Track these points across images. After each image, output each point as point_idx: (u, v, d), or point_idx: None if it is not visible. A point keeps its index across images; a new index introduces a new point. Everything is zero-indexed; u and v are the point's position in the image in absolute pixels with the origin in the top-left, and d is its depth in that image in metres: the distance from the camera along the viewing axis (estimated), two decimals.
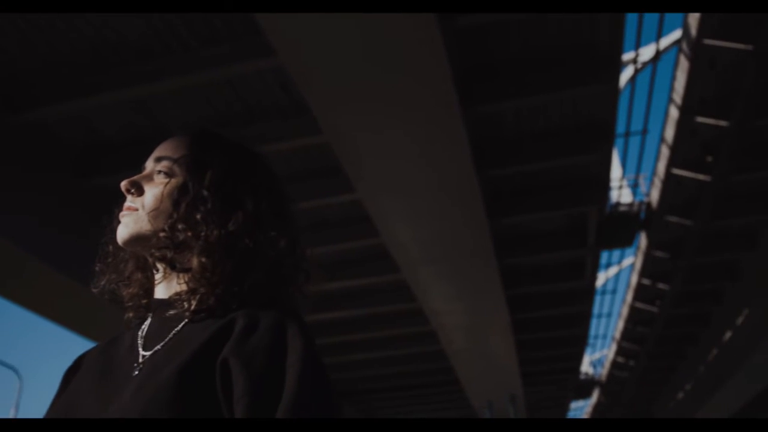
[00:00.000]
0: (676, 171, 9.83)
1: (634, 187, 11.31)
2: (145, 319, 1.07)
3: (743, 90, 7.75)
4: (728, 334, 14.89)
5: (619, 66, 7.68)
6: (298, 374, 0.84)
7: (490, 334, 12.98)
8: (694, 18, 7.28)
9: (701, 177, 9.66)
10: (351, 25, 5.21)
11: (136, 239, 1.03)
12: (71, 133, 7.93)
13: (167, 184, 1.04)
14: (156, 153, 1.09)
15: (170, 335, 0.97)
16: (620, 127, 9.13)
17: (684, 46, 7.77)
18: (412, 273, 9.82)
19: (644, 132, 9.69)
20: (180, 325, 0.98)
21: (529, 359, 16.84)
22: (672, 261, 12.40)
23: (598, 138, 8.79)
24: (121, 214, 1.05)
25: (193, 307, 0.98)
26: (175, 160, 1.07)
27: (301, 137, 7.39)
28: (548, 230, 11.29)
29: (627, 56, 8.17)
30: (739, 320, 14.01)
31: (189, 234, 0.99)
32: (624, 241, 11.62)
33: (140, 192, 1.06)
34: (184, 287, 1.00)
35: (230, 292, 0.97)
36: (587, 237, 11.08)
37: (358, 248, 10.23)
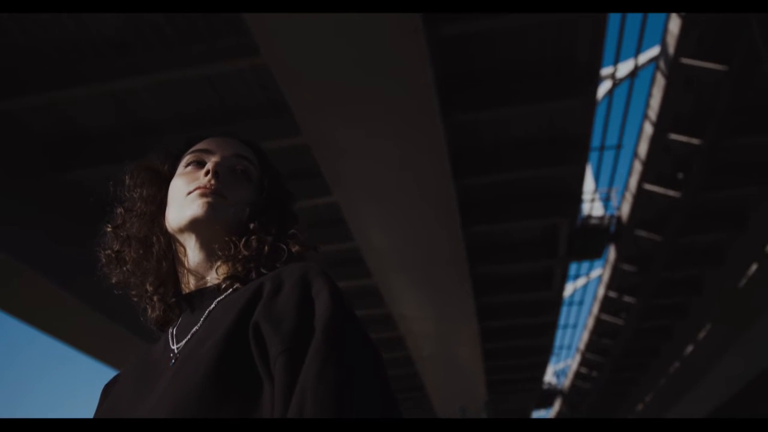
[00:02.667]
0: (648, 186, 9.98)
1: (606, 200, 11.48)
2: (176, 320, 1.05)
3: (717, 110, 7.90)
4: (690, 348, 15.15)
5: (597, 81, 7.77)
6: (325, 324, 0.81)
7: (459, 342, 13.01)
8: (672, 36, 7.40)
9: (672, 193, 9.82)
10: (336, 28, 5.17)
11: (215, 224, 1.02)
12: (45, 125, 7.76)
13: (249, 183, 1.10)
14: (231, 146, 1.13)
15: (202, 319, 0.97)
16: (595, 141, 9.25)
17: (661, 63, 7.89)
18: (384, 279, 9.80)
19: (619, 147, 9.83)
20: (211, 306, 0.97)
21: (495, 368, 16.94)
22: (639, 275, 12.58)
23: (574, 151, 8.88)
24: (203, 191, 1.04)
25: (223, 285, 0.98)
26: (255, 166, 1.12)
27: (280, 138, 7.33)
28: (520, 240, 11.37)
29: (605, 71, 8.26)
30: (701, 335, 14.27)
31: (283, 230, 1.05)
32: (593, 253, 11.77)
33: (225, 181, 1.06)
34: (214, 273, 1.01)
35: (257, 262, 0.99)
36: (558, 248, 11.18)
37: (331, 252, 10.18)
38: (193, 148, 1.13)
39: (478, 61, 7.41)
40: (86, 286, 8.79)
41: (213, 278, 1.01)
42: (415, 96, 6.37)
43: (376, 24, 5.22)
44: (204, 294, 1.01)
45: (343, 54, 5.44)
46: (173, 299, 1.07)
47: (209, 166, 1.06)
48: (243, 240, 1.01)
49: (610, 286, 13.83)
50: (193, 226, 1.02)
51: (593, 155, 9.89)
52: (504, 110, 7.99)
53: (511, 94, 7.70)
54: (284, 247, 1.02)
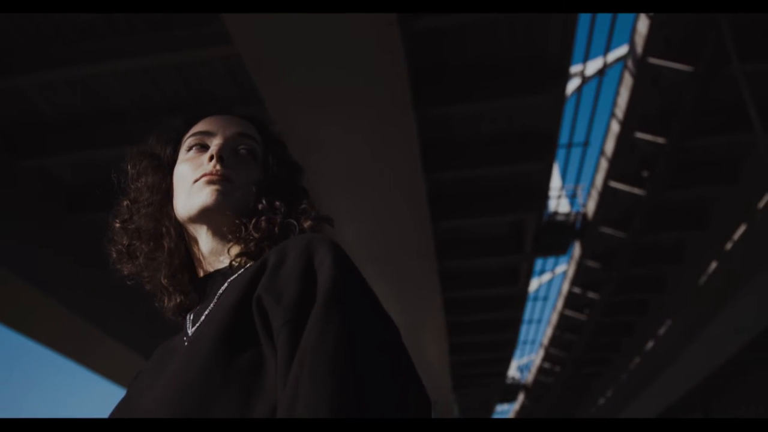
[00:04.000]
0: (614, 184, 10.13)
1: (572, 197, 11.62)
2: (195, 305, 1.04)
3: (682, 110, 8.04)
4: (650, 344, 15.45)
5: (567, 78, 7.86)
6: (326, 292, 0.78)
7: (425, 336, 13.07)
8: (640, 36, 7.51)
9: (636, 191, 9.98)
10: (310, 19, 5.13)
11: (225, 209, 1.00)
12: (5, 110, 7.56)
13: (255, 162, 1.08)
14: (233, 126, 1.09)
15: (214, 300, 0.94)
16: (563, 138, 9.35)
17: (629, 62, 8.01)
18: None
19: (586, 144, 9.96)
20: (223, 287, 0.96)
21: (460, 362, 17.06)
22: (603, 271, 12.78)
23: (542, 147, 8.96)
24: (210, 179, 1.02)
25: (235, 265, 0.97)
26: (259, 144, 1.10)
27: None
28: (487, 235, 11.46)
29: (575, 69, 8.35)
30: (662, 331, 14.56)
31: (293, 207, 1.03)
32: (559, 249, 11.92)
33: (230, 164, 1.04)
34: (227, 255, 1.00)
35: (269, 241, 0.98)
36: (524, 244, 11.29)
37: None
38: (193, 131, 1.10)
39: (449, 55, 7.43)
40: (52, 278, 8.63)
41: (226, 260, 1.00)
42: (389, 89, 6.37)
43: (350, 16, 5.19)
44: (217, 276, 1.00)
45: (317, 46, 5.40)
46: (190, 286, 1.05)
47: (213, 150, 1.04)
48: (253, 221, 1.00)
49: (574, 282, 14.02)
50: (204, 214, 1.01)
51: (561, 152, 10.00)
52: (474, 105, 8.04)
53: (481, 89, 7.74)
54: (295, 223, 1.01)
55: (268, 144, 1.12)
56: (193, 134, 1.09)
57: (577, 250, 12.80)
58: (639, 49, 7.58)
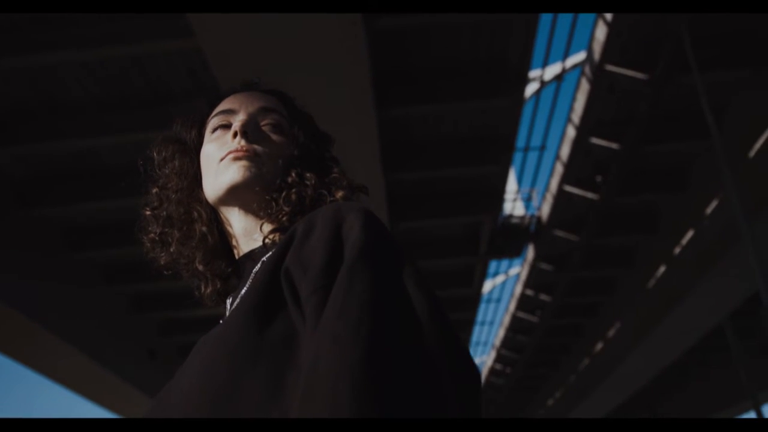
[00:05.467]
0: (568, 188, 10.30)
1: (528, 200, 11.78)
2: (229, 290, 1.03)
3: (636, 116, 8.23)
4: (599, 346, 15.77)
5: (526, 83, 7.97)
6: (354, 257, 0.74)
7: None
8: (598, 43, 7.66)
9: (590, 195, 10.18)
10: (274, 18, 5.08)
11: (255, 184, 0.98)
12: None
13: (281, 135, 1.05)
14: (255, 102, 1.07)
15: (249, 280, 0.91)
16: (520, 142, 9.48)
17: (587, 69, 8.16)
18: None
19: (542, 148, 10.11)
20: (257, 267, 0.92)
21: None
22: (555, 274, 12.99)
23: (499, 150, 9.08)
24: (236, 154, 0.99)
25: (269, 242, 0.95)
26: (285, 117, 1.07)
27: None
28: (443, 237, 11.53)
29: (534, 73, 8.48)
30: (610, 333, 14.87)
31: (325, 178, 1.01)
32: (513, 251, 12.07)
33: (255, 139, 1.02)
34: (261, 233, 0.97)
35: (301, 214, 0.95)
36: (479, 246, 11.41)
37: None
38: (216, 110, 1.08)
39: (412, 56, 7.46)
40: None
41: (260, 238, 0.97)
42: (351, 89, 6.35)
43: (314, 16, 5.15)
44: (253, 256, 0.97)
45: (280, 43, 5.35)
46: (229, 269, 1.04)
47: (236, 127, 1.01)
48: (282, 195, 0.97)
49: (527, 285, 14.21)
50: (233, 192, 0.99)
51: (518, 155, 10.14)
52: (434, 107, 8.09)
53: (442, 91, 7.80)
54: (326, 193, 0.99)
55: (293, 116, 1.10)
56: (216, 114, 1.07)
57: (530, 252, 12.98)
58: (596, 56, 7.73)
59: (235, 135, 1.01)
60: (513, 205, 11.82)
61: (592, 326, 15.76)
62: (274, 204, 0.98)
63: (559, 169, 10.29)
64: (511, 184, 11.21)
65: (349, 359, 0.63)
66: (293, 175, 1.00)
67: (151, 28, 6.21)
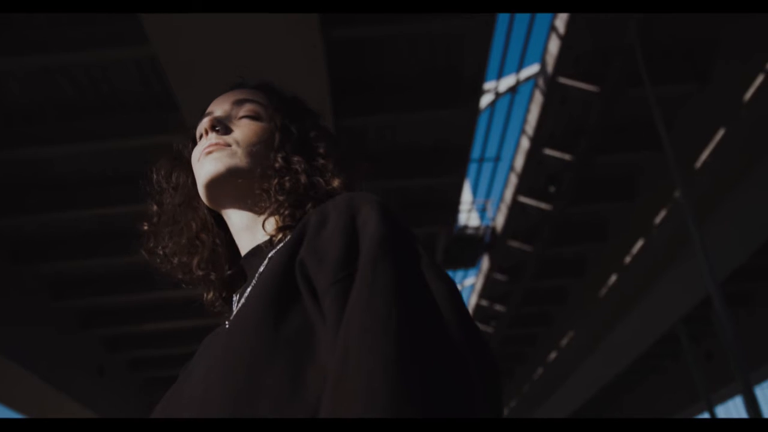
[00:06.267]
0: (522, 199, 10.44)
1: (483, 211, 11.89)
2: (235, 289, 1.01)
3: (587, 128, 8.40)
4: (553, 355, 15.97)
5: (480, 94, 8.06)
6: (373, 250, 0.73)
7: None
8: (551, 56, 7.80)
9: (543, 206, 10.32)
10: (233, 24, 5.02)
11: (232, 175, 0.97)
12: None
13: (263, 124, 1.02)
14: (228, 98, 1.06)
15: (255, 278, 0.89)
16: (475, 153, 9.57)
17: (540, 81, 8.29)
18: None
19: (497, 159, 10.22)
20: (264, 263, 0.90)
21: None
22: (510, 284, 13.11)
23: (454, 161, 9.14)
24: (207, 149, 0.98)
25: (276, 239, 0.93)
26: (262, 104, 1.05)
27: (164, 134, 7.02)
28: None
29: (488, 85, 8.58)
30: (563, 342, 15.08)
31: (315, 163, 0.99)
32: (468, 262, 12.15)
33: (227, 131, 1.00)
34: (262, 229, 0.95)
35: (301, 205, 0.95)
36: (434, 256, 11.44)
37: None
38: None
39: (367, 67, 7.47)
40: None
41: (263, 235, 0.95)
42: (309, 97, 6.25)
43: (274, 24, 5.12)
44: (257, 253, 0.95)
45: (239, 50, 5.29)
46: (229, 271, 1.03)
47: (204, 123, 1.01)
48: (274, 184, 0.95)
49: (482, 295, 14.31)
50: (211, 187, 0.98)
51: (472, 166, 10.23)
52: (390, 117, 8.11)
53: (398, 101, 7.83)
54: (320, 180, 0.96)
55: (276, 103, 1.07)
56: (200, 121, 1.08)
57: (485, 263, 13.09)
58: (549, 68, 7.87)
59: (206, 133, 1.01)
60: (468, 216, 11.92)
61: (546, 335, 15.96)
62: (266, 195, 0.96)
63: (513, 179, 10.41)
64: (466, 194, 11.30)
65: (382, 356, 0.62)
66: (279, 160, 0.97)
67: (104, 34, 6.07)
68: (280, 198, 0.94)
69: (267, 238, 0.95)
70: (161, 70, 5.81)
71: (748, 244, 9.26)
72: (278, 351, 0.73)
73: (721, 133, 7.99)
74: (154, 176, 1.11)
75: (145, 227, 1.09)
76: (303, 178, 0.96)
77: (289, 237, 0.89)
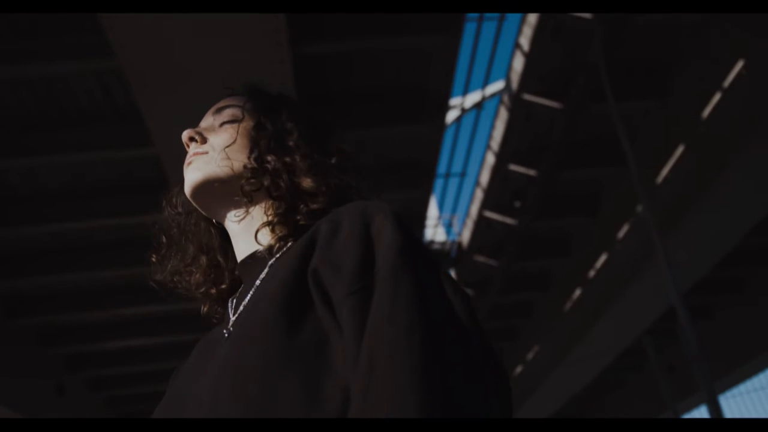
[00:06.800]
0: (488, 214, 10.50)
1: (449, 226, 11.93)
2: (233, 294, 0.99)
3: (552, 144, 8.50)
4: (519, 369, 16.04)
5: (446, 109, 8.11)
6: (391, 261, 0.73)
7: None
8: (516, 73, 7.89)
9: (509, 221, 10.40)
10: (200, 38, 4.97)
11: (210, 182, 0.96)
12: None
13: (239, 125, 1.00)
14: (212, 109, 1.06)
15: (255, 285, 0.89)
16: (441, 168, 9.61)
17: (505, 97, 8.38)
18: None
19: (463, 175, 10.27)
20: (264, 271, 0.90)
21: None
22: (476, 299, 13.15)
23: (420, 176, 9.17)
24: (187, 161, 0.98)
25: (275, 247, 0.91)
26: (240, 107, 1.03)
27: (124, 147, 6.91)
28: None
29: (454, 101, 8.64)
30: (530, 356, 15.16)
31: (285, 160, 0.95)
32: None
33: (204, 140, 1.00)
34: (256, 236, 0.94)
35: (313, 206, 0.93)
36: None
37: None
38: None
39: (333, 82, 7.47)
40: None
41: (261, 240, 0.94)
42: None
43: (242, 38, 5.08)
44: (255, 258, 0.94)
45: (206, 64, 5.23)
46: (213, 289, 1.02)
47: (184, 138, 1.02)
48: (252, 184, 0.95)
49: None
50: (195, 196, 0.98)
51: (439, 182, 10.28)
52: (356, 132, 8.09)
53: (364, 117, 7.83)
54: (295, 180, 0.94)
55: (255, 102, 1.06)
56: None
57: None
58: (514, 85, 7.96)
59: (187, 147, 1.02)
60: (434, 231, 11.95)
61: (512, 350, 16.02)
62: (247, 198, 0.95)
63: (479, 195, 10.48)
64: (433, 210, 11.33)
65: (409, 368, 0.63)
66: (251, 161, 0.96)
67: (65, 46, 5.96)
68: (266, 203, 0.94)
69: (265, 245, 0.93)
70: (126, 83, 5.71)
71: (709, 256, 9.45)
72: (292, 360, 0.72)
73: (681, 149, 8.17)
74: (166, 209, 1.12)
75: (153, 259, 1.09)
76: (281, 178, 0.94)
77: (291, 244, 0.88)
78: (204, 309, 1.04)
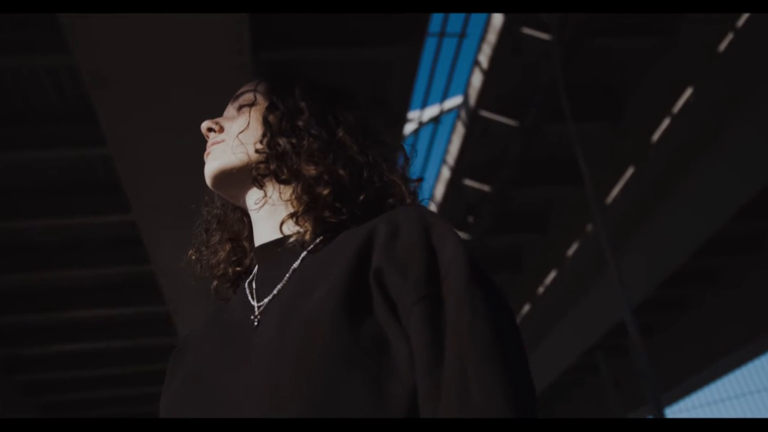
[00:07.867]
0: None
1: None
2: (247, 276, 0.98)
3: (507, 161, 8.64)
4: None
5: (404, 122, 8.17)
6: (463, 270, 0.78)
7: None
8: (474, 89, 8.01)
9: (463, 235, 10.48)
10: (159, 42, 4.90)
11: (227, 170, 0.96)
12: None
13: (251, 109, 0.99)
14: (233, 100, 1.05)
15: (288, 274, 0.87)
16: None
17: (462, 113, 8.49)
18: (180, 305, 9.31)
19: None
20: (297, 261, 0.88)
21: None
22: None
23: None
24: (206, 152, 0.99)
25: (307, 238, 0.90)
26: (254, 90, 1.01)
27: (79, 146, 6.76)
28: None
29: (412, 114, 8.71)
30: None
31: (293, 141, 0.93)
32: None
33: (222, 129, 1.00)
34: (291, 219, 0.92)
35: (350, 203, 0.91)
36: None
37: (122, 273, 9.51)
38: None
39: None
40: None
41: (285, 230, 0.92)
42: None
43: (204, 41, 5.04)
44: (283, 247, 0.91)
45: (166, 67, 5.16)
46: (237, 267, 1.02)
47: (203, 130, 1.02)
48: (260, 170, 0.96)
49: None
50: (216, 186, 0.98)
51: None
52: None
53: None
54: (297, 169, 0.92)
55: (271, 84, 1.04)
56: None
57: None
58: (472, 101, 8.07)
59: (208, 139, 1.02)
60: None
61: None
62: (263, 185, 0.95)
63: (432, 208, 10.53)
64: None
65: (498, 376, 0.72)
66: (263, 144, 0.95)
67: (18, 42, 5.82)
68: (280, 188, 0.93)
69: (294, 233, 0.91)
70: (80, 81, 5.59)
71: (654, 276, 9.70)
72: (357, 359, 0.73)
73: (630, 170, 8.39)
74: (204, 208, 1.12)
75: (192, 256, 1.09)
76: (287, 162, 0.93)
77: (321, 239, 0.89)
78: (214, 284, 1.05)
